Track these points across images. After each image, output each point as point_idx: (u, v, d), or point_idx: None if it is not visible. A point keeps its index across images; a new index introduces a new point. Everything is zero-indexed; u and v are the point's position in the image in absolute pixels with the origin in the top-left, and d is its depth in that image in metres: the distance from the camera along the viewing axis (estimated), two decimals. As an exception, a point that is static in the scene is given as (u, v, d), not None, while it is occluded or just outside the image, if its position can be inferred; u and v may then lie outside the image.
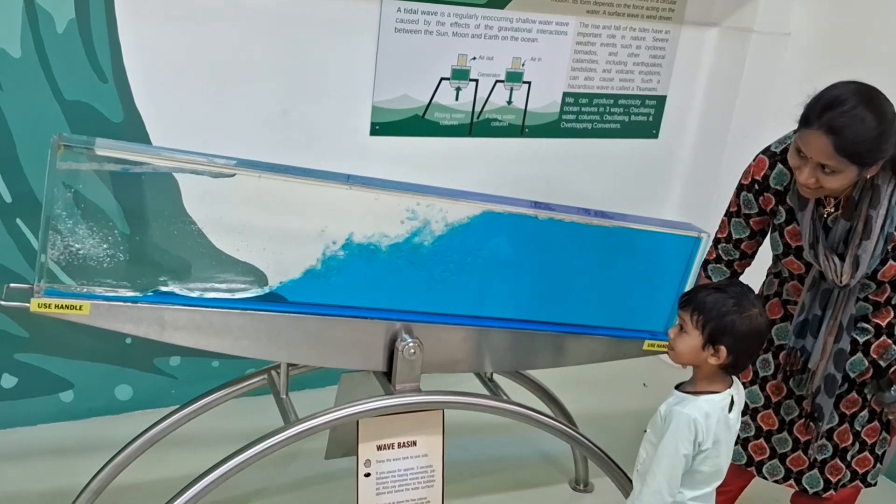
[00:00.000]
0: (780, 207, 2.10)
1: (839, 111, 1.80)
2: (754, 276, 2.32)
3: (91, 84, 2.62)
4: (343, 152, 3.02)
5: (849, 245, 1.98)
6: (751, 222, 2.19)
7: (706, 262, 2.32)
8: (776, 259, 2.18)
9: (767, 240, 2.21)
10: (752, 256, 2.28)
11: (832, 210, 2.01)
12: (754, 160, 2.15)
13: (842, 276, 1.98)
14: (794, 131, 2.00)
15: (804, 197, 2.00)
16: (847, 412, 2.19)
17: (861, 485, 2.30)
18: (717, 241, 2.29)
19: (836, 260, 1.98)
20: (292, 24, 2.83)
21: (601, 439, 2.44)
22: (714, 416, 1.89)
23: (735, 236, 2.23)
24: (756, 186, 2.13)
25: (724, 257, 2.28)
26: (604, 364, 2.53)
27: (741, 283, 2.02)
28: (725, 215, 2.25)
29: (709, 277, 2.31)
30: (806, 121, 1.85)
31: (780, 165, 2.08)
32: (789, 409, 2.23)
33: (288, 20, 2.82)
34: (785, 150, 2.05)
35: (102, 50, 2.60)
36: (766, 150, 2.13)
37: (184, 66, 2.73)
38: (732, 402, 1.94)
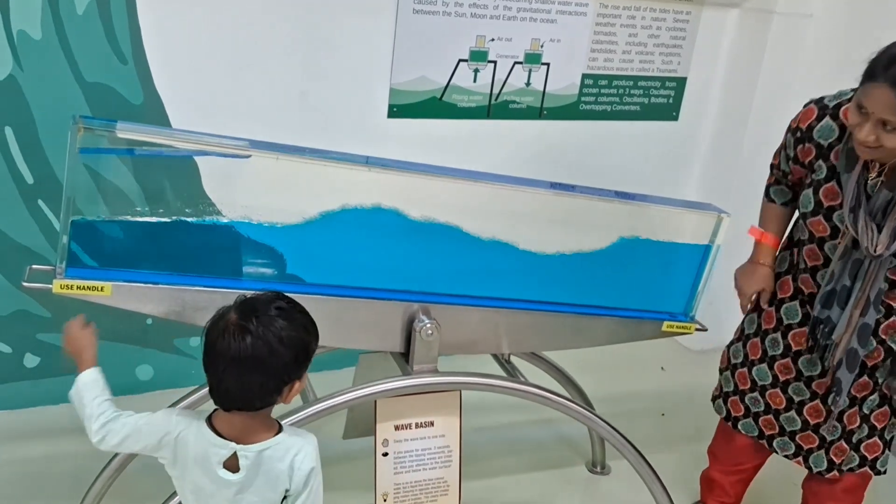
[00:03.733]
0: (822, 163, 2.04)
1: None
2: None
3: (111, 66, 2.63)
4: (360, 134, 3.02)
5: (887, 215, 1.94)
6: (790, 164, 2.17)
7: (767, 187, 2.31)
8: (802, 218, 2.13)
9: None
10: (797, 198, 2.23)
11: (875, 176, 1.96)
12: (805, 107, 2.09)
13: (877, 245, 1.94)
14: (853, 90, 1.94)
15: (852, 158, 1.94)
16: (858, 395, 2.17)
17: (870, 472, 2.29)
18: (772, 168, 2.28)
19: (875, 228, 1.94)
20: (311, 6, 2.83)
21: (618, 422, 2.44)
22: (196, 451, 1.57)
23: (783, 168, 2.22)
24: (798, 134, 2.09)
25: (780, 181, 2.27)
26: (621, 346, 2.53)
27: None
28: (780, 146, 2.23)
29: (772, 200, 2.29)
30: (871, 74, 1.79)
31: (828, 119, 2.02)
32: (799, 390, 2.22)
33: (307, 1, 2.82)
34: (837, 106, 1.99)
35: (122, 32, 2.61)
36: (818, 101, 2.07)
37: (203, 48, 2.74)
38: (237, 462, 1.55)
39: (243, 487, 1.58)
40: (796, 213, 2.24)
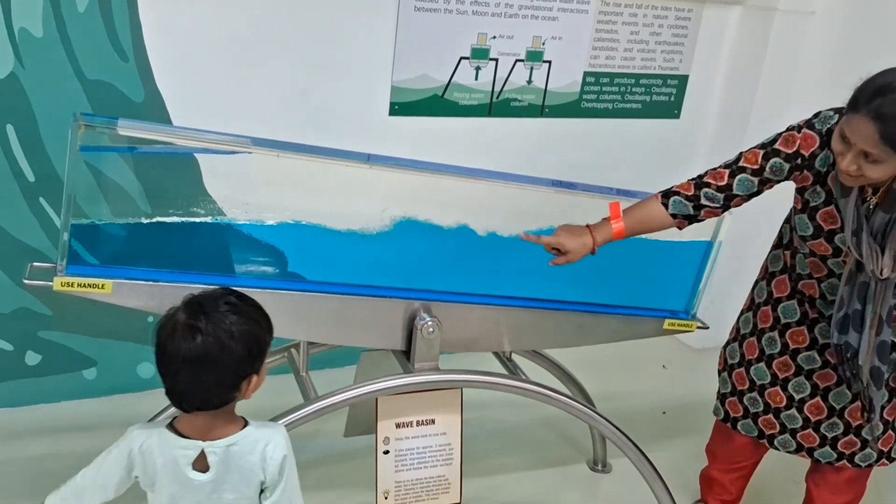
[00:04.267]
0: (820, 189, 2.02)
1: (890, 98, 1.72)
2: (759, 251, 2.26)
3: (112, 63, 2.63)
4: (362, 132, 3.02)
5: (887, 237, 1.92)
6: (764, 186, 2.08)
7: (672, 192, 2.13)
8: (801, 240, 2.10)
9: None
10: (724, 211, 2.16)
11: (871, 197, 1.94)
12: (799, 132, 2.02)
13: (883, 269, 1.92)
14: (835, 111, 1.94)
15: (846, 185, 1.93)
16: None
17: (886, 461, 2.30)
18: (702, 184, 2.11)
19: (878, 250, 1.92)
20: (312, 4, 2.83)
21: (620, 420, 2.44)
22: (163, 459, 1.54)
23: (734, 191, 2.09)
24: (798, 160, 2.02)
25: (700, 199, 2.10)
26: (622, 345, 2.53)
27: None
28: (727, 168, 2.10)
29: (666, 207, 2.12)
30: (854, 105, 1.78)
31: (826, 148, 1.98)
32: (799, 386, 2.22)
33: (308, -1, 2.82)
34: (829, 131, 1.96)
35: (123, 29, 2.61)
36: (810, 126, 2.01)
37: (204, 46, 2.74)
38: (206, 461, 1.53)
39: (217, 486, 1.55)
40: (784, 212, 2.24)
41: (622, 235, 2.12)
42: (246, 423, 1.59)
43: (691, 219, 2.14)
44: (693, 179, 2.14)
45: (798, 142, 2.02)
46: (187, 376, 1.48)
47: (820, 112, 2.02)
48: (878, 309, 1.99)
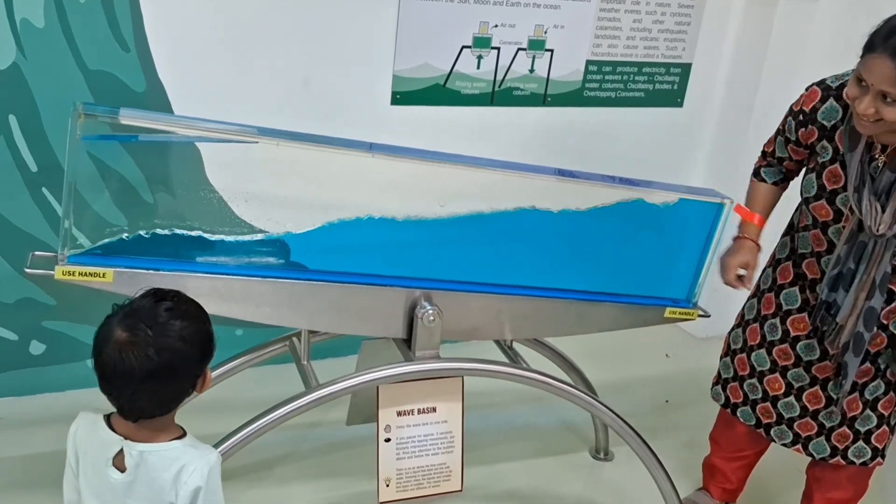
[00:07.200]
0: (827, 144, 2.04)
1: None
2: (763, 241, 2.28)
3: (114, 53, 2.63)
4: (364, 122, 3.02)
5: (891, 196, 1.93)
6: (788, 148, 2.19)
7: (755, 171, 2.32)
8: (804, 203, 2.12)
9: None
10: (789, 179, 2.29)
11: (879, 155, 1.95)
12: (807, 90, 2.10)
13: (880, 224, 1.93)
14: (853, 70, 1.95)
15: (855, 137, 1.94)
16: (858, 381, 2.17)
17: (881, 460, 2.29)
18: (763, 153, 2.31)
19: (879, 207, 1.93)
20: (313, -7, 2.83)
21: (622, 408, 2.44)
22: (91, 448, 1.51)
23: (778, 154, 2.24)
24: (801, 117, 2.09)
25: (774, 164, 2.29)
26: (625, 334, 2.53)
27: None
28: (775, 132, 2.25)
29: (763, 180, 2.30)
30: (871, 46, 1.79)
31: (832, 101, 2.01)
32: (798, 376, 2.22)
33: (309, -12, 2.81)
34: (840, 87, 1.99)
35: (124, 19, 2.61)
36: (820, 82, 2.08)
37: (206, 36, 2.74)
38: (123, 461, 1.47)
39: (129, 490, 1.47)
40: (798, 199, 2.23)
41: (763, 223, 2.28)
42: (180, 436, 1.51)
43: (784, 180, 2.31)
44: (761, 153, 2.32)
45: (802, 99, 2.10)
46: (147, 393, 1.42)
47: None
48: (873, 271, 2.00)
